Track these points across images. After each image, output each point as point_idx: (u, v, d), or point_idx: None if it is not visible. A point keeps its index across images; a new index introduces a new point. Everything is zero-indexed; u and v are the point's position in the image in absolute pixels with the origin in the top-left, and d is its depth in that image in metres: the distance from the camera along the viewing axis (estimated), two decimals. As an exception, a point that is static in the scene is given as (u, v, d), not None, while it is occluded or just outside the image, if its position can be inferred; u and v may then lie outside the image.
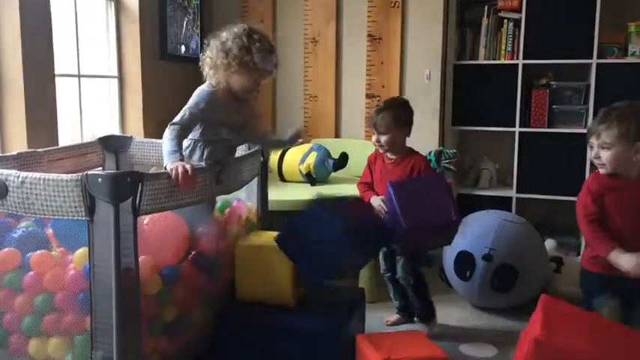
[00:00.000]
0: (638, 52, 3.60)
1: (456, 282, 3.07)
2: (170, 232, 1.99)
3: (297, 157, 3.51)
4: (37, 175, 1.68)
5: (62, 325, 1.78)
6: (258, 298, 2.27)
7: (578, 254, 3.60)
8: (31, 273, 1.79)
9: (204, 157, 2.21)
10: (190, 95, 2.22)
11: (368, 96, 3.97)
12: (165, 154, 1.99)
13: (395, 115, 2.66)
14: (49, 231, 1.95)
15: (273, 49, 2.24)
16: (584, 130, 3.66)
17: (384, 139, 2.67)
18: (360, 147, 3.86)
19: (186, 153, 2.19)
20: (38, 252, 1.82)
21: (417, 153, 2.75)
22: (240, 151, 2.57)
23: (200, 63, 2.27)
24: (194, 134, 2.20)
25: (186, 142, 2.20)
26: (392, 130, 2.66)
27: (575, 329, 2.03)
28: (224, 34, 2.21)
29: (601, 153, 2.09)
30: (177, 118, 2.11)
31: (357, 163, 3.35)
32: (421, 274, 2.77)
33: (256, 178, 2.59)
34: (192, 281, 2.03)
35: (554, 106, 3.76)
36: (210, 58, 2.21)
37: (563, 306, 2.08)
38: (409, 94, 3.88)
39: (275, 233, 2.27)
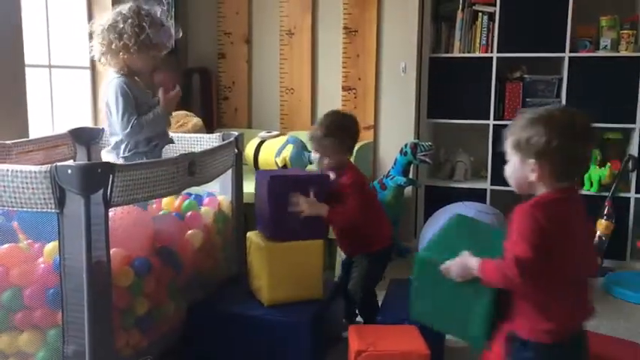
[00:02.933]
0: (609, 46, 3.65)
1: (431, 273, 3.09)
2: (138, 223, 1.96)
3: (273, 150, 3.49)
4: (5, 166, 1.64)
5: (33, 319, 1.75)
6: (291, 297, 2.26)
7: (551, 245, 3.65)
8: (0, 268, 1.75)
9: (146, 142, 2.28)
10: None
11: (344, 88, 3.96)
12: (152, 122, 2.22)
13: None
14: (15, 223, 1.91)
15: (164, 22, 2.26)
16: (557, 123, 3.72)
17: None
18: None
19: (122, 145, 2.26)
20: (6, 245, 1.78)
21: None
22: (215, 142, 2.56)
23: (90, 51, 2.26)
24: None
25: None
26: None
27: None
28: (112, 17, 2.21)
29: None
30: (124, 120, 2.19)
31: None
32: (372, 294, 2.61)
33: (231, 170, 2.57)
34: (162, 273, 2.01)
35: (527, 99, 3.80)
36: (102, 45, 2.20)
37: None
38: (385, 86, 3.89)
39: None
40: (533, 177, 1.56)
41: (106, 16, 2.23)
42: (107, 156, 2.36)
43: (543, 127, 1.53)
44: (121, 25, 2.17)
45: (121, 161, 2.25)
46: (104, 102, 2.29)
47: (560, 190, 1.55)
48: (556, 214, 1.51)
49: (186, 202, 2.41)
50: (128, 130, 2.19)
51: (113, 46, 2.18)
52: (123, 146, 2.27)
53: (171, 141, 2.46)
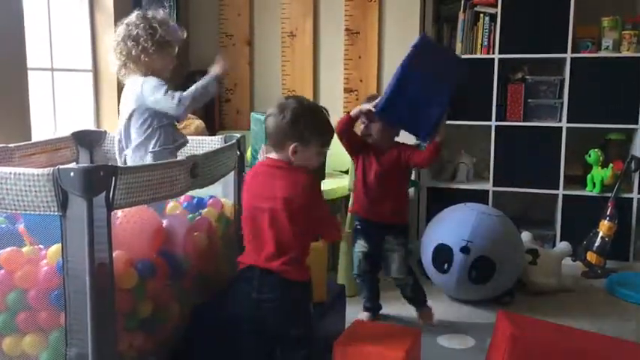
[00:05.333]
0: (611, 47, 3.65)
1: (434, 274, 3.09)
2: (145, 225, 1.96)
3: (275, 152, 3.49)
4: (8, 169, 1.64)
5: (36, 322, 1.75)
6: None
7: (554, 246, 3.65)
8: (2, 271, 1.75)
9: (172, 140, 2.36)
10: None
11: (346, 90, 3.97)
12: (204, 91, 2.31)
13: None
14: (21, 227, 1.92)
15: (170, 19, 2.37)
16: (560, 124, 3.72)
17: (374, 127, 2.62)
18: (339, 141, 3.85)
19: (153, 141, 2.32)
20: (8, 249, 1.78)
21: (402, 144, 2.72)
22: (217, 144, 2.57)
23: (112, 66, 2.35)
24: (148, 127, 2.31)
25: (140, 133, 2.32)
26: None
27: (542, 328, 2.13)
28: (123, 28, 2.31)
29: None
30: (170, 97, 2.26)
31: (336, 157, 3.35)
32: (414, 272, 2.82)
33: (233, 172, 2.57)
34: (166, 275, 2.01)
35: (529, 100, 3.80)
36: (122, 55, 2.29)
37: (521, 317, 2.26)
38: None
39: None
40: None
41: (117, 31, 2.33)
42: (133, 155, 2.36)
43: None
44: (135, 32, 2.26)
45: (149, 156, 2.31)
46: (129, 106, 2.33)
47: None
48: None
49: (189, 216, 2.41)
50: (180, 104, 2.26)
51: (133, 53, 2.27)
52: (153, 142, 2.33)
53: (187, 141, 2.54)
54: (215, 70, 2.38)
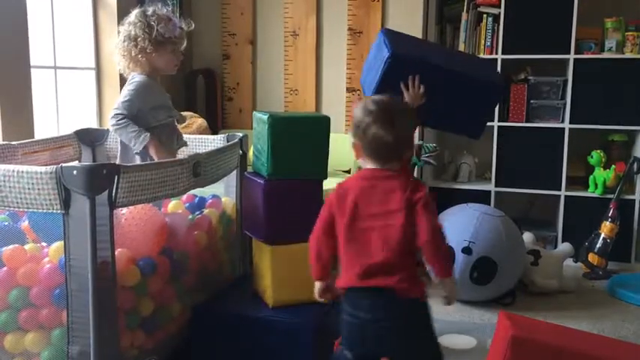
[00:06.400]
0: (614, 48, 3.65)
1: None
2: (149, 223, 1.96)
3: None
4: (11, 167, 1.65)
5: (38, 319, 1.75)
6: (296, 298, 2.20)
7: (556, 247, 3.64)
8: (4, 268, 1.76)
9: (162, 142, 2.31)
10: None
11: (348, 90, 3.96)
12: (130, 139, 2.17)
13: None
14: (25, 224, 1.92)
15: (171, 16, 2.35)
16: (562, 125, 3.72)
17: None
18: (341, 141, 3.85)
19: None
20: (11, 247, 1.79)
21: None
22: (220, 143, 2.58)
23: (118, 66, 2.36)
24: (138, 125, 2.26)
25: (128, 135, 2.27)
26: None
27: (543, 329, 2.13)
28: (124, 27, 2.30)
29: None
30: (119, 108, 2.23)
31: (338, 157, 3.35)
32: None
33: (235, 171, 2.57)
34: (168, 273, 2.02)
35: (532, 101, 3.79)
36: (123, 56, 2.30)
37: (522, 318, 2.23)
38: (389, 88, 3.89)
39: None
40: (354, 155, 1.70)
41: (120, 31, 2.33)
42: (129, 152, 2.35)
43: (358, 109, 1.67)
44: (133, 32, 2.26)
45: (137, 158, 2.28)
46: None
47: (366, 169, 1.69)
48: (341, 187, 1.70)
49: (190, 217, 2.41)
50: (113, 120, 2.24)
51: (133, 53, 2.27)
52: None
53: (185, 144, 2.51)
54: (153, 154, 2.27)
